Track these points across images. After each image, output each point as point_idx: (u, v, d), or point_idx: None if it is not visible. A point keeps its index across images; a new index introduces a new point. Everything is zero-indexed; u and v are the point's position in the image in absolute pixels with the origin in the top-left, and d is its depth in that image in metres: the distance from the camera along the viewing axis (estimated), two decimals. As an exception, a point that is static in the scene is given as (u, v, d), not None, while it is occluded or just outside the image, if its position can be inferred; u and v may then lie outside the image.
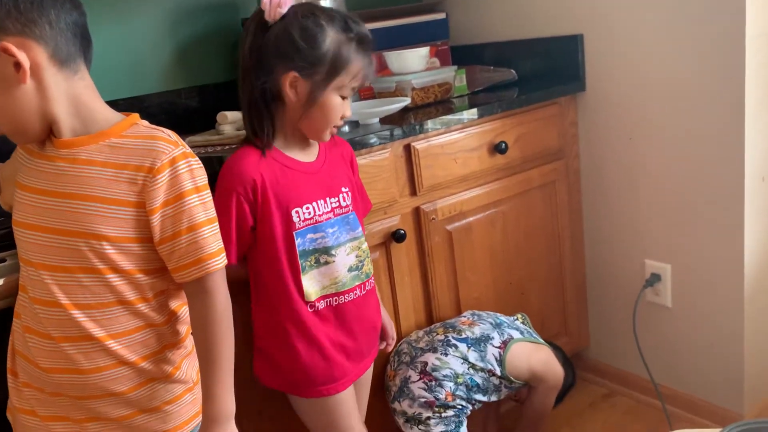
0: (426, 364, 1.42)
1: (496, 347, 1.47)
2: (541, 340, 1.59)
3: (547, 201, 1.83)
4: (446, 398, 1.40)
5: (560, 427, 1.85)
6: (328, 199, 1.20)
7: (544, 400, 1.59)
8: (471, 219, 1.66)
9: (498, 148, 1.65)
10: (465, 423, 1.43)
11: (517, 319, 1.62)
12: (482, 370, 1.44)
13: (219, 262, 0.96)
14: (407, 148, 1.51)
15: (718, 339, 1.70)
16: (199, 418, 1.05)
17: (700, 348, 1.76)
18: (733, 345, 1.68)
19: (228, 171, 1.15)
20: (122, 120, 0.94)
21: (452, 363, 1.43)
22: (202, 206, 0.94)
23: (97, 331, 0.93)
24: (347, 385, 1.24)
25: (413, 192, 1.55)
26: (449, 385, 1.41)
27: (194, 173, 0.94)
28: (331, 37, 1.13)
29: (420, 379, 1.41)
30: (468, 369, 1.43)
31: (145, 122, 0.97)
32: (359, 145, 1.40)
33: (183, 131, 1.70)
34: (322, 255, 1.19)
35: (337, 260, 1.20)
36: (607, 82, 1.77)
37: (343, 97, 1.17)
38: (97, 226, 0.90)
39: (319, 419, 1.26)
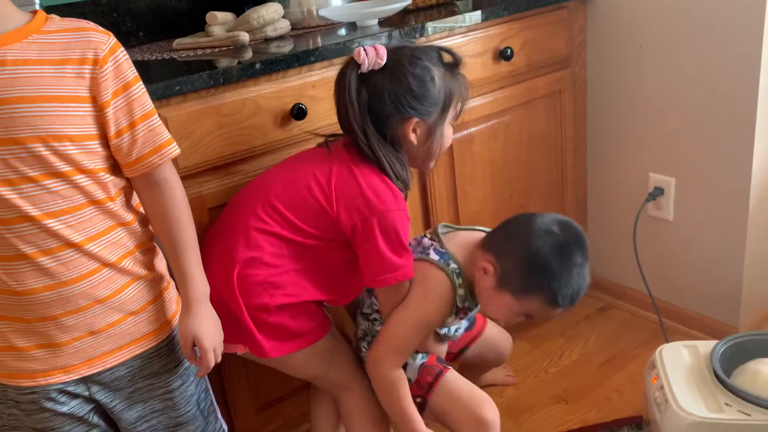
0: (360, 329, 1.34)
1: None
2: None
3: (552, 111, 1.76)
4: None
5: (555, 337, 1.86)
6: None
7: None
8: (473, 130, 1.60)
9: (503, 55, 1.57)
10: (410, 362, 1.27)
11: None
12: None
13: (175, 148, 0.97)
14: (408, 53, 1.44)
15: (719, 254, 1.69)
16: (176, 320, 1.04)
17: (699, 263, 1.75)
18: (733, 260, 1.67)
19: (399, 209, 1.15)
20: (35, 16, 0.87)
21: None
22: (146, 95, 0.94)
23: (75, 237, 0.89)
24: None
25: (413, 100, 1.48)
26: (363, 345, 1.30)
27: (130, 62, 0.92)
28: (438, 77, 1.16)
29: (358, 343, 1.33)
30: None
31: (54, 15, 0.90)
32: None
33: (171, 33, 1.63)
34: None
35: None
36: (619, -16, 1.67)
37: (451, 124, 1.24)
38: (56, 127, 0.85)
39: (328, 354, 1.26)
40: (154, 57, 1.43)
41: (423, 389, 1.24)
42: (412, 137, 1.17)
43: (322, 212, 1.13)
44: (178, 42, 1.47)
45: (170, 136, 0.96)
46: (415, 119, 1.16)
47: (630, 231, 1.78)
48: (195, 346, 1.00)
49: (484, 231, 1.30)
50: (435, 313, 1.21)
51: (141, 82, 0.93)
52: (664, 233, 1.79)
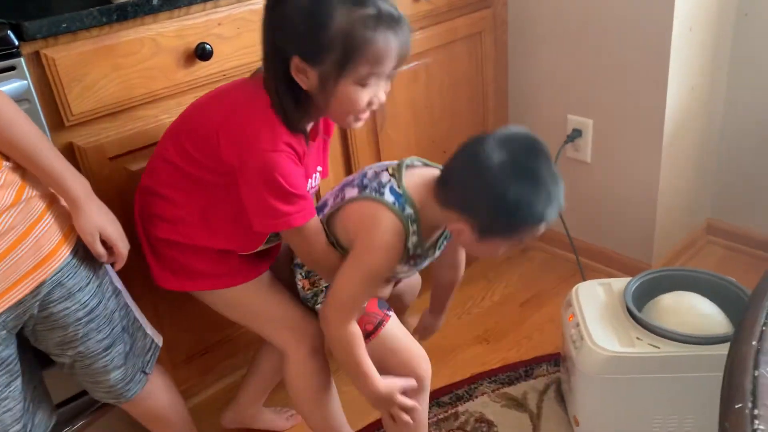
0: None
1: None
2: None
3: (473, 53, 1.73)
4: (303, 289, 1.21)
5: (477, 280, 1.89)
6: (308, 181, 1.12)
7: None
8: (392, 72, 1.56)
9: (421, -7, 1.52)
10: None
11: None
12: None
13: None
14: (321, -10, 1.36)
15: (634, 194, 1.73)
16: (75, 236, 0.96)
17: (615, 203, 1.79)
18: (647, 200, 1.71)
19: (275, 150, 1.01)
20: None
21: None
22: None
23: None
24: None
25: (329, 40, 1.42)
26: (299, 272, 1.20)
27: None
28: (339, 18, 0.94)
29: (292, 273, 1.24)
30: None
31: None
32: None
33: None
34: None
35: None
36: None
37: (365, 85, 1.00)
38: None
39: (242, 308, 1.21)
40: (42, -8, 1.30)
41: None
42: (300, 79, 1.00)
43: (209, 137, 1.04)
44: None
45: None
46: (297, 59, 0.98)
47: (550, 173, 1.80)
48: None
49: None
50: (384, 264, 1.08)
51: None
52: (582, 174, 1.82)
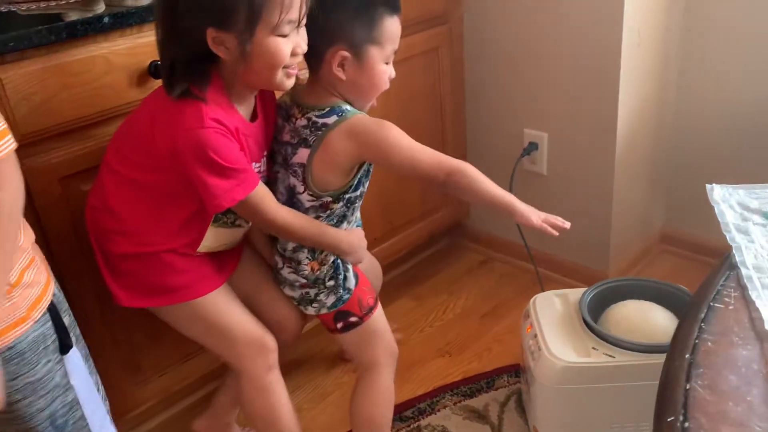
0: (283, 247, 1.23)
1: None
2: None
3: (430, 69, 1.76)
4: (313, 271, 1.21)
5: (438, 293, 1.90)
6: (254, 164, 1.11)
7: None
8: (350, 87, 1.57)
9: (377, 10, 1.53)
10: (349, 271, 1.22)
11: None
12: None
13: (10, 142, 0.79)
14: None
15: (589, 205, 1.77)
16: (19, 329, 0.89)
17: (571, 214, 1.80)
18: (602, 210, 1.75)
19: (201, 126, 1.00)
20: None
21: None
22: None
23: None
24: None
25: (286, 57, 1.42)
26: (304, 257, 1.20)
27: None
28: None
29: (285, 264, 1.23)
30: None
31: None
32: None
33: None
34: (239, 218, 1.16)
35: (246, 227, 1.20)
36: (492, -62, 1.67)
37: (283, 35, 1.00)
38: None
39: (203, 323, 1.19)
40: (-10, 10, 1.28)
41: (363, 311, 1.21)
42: (220, 51, 0.99)
43: (144, 136, 1.04)
44: (18, -8, 1.32)
45: (4, 126, 0.78)
46: (211, 30, 0.97)
47: (507, 186, 1.82)
48: None
49: None
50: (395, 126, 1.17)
51: None
52: (539, 186, 1.85)
